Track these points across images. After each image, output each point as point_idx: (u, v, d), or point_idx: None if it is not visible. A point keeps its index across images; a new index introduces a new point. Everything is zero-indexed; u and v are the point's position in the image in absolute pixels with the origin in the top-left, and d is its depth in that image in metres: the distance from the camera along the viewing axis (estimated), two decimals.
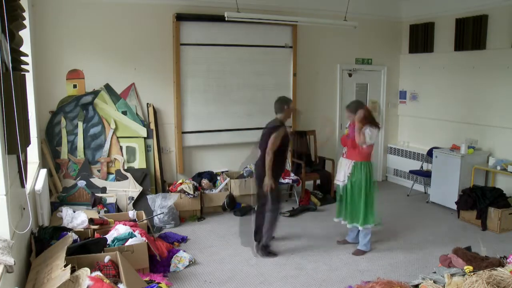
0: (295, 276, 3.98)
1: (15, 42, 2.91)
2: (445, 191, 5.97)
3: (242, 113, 6.15)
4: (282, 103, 4.41)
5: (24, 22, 3.37)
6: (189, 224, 5.32)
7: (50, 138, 5.25)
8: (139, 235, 3.91)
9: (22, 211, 3.18)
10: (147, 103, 5.71)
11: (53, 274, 2.82)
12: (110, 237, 3.89)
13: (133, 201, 5.22)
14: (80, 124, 5.35)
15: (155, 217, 5.09)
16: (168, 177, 5.92)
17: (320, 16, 6.06)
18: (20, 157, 2.94)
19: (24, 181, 3.13)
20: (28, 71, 3.72)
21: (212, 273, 4.03)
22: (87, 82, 5.39)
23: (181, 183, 5.52)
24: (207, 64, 5.88)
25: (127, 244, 3.76)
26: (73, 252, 3.37)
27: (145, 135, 5.62)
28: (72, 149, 5.32)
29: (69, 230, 3.90)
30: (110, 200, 5.09)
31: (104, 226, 4.20)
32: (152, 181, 5.60)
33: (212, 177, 5.97)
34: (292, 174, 6.14)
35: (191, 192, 5.42)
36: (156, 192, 5.54)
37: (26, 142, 3.28)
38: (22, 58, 3.30)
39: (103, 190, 5.20)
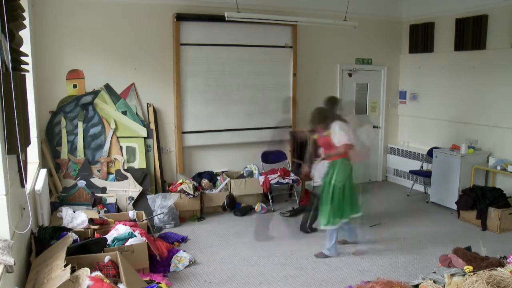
0: (295, 276, 3.98)
1: (15, 42, 2.91)
2: (445, 191, 5.97)
3: (242, 113, 6.15)
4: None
5: (24, 22, 3.37)
6: (189, 224, 5.32)
7: (50, 138, 5.25)
8: (139, 235, 3.91)
9: (22, 211, 3.18)
10: (147, 103, 5.71)
11: (53, 274, 2.82)
12: (110, 237, 3.89)
13: (133, 201, 5.22)
14: (80, 124, 5.35)
15: (155, 217, 5.09)
16: (168, 177, 5.92)
17: (320, 16, 6.06)
18: (20, 157, 2.94)
19: (24, 181, 3.13)
20: (28, 71, 3.73)
21: (212, 273, 4.03)
22: (87, 82, 5.39)
23: (181, 183, 5.52)
24: (207, 64, 5.88)
25: (127, 244, 3.76)
26: (73, 252, 3.37)
27: (145, 135, 5.62)
28: (72, 149, 5.32)
29: (69, 230, 3.90)
30: (110, 200, 5.09)
31: (104, 226, 4.20)
32: (152, 181, 5.60)
33: (212, 177, 5.97)
34: (292, 174, 6.14)
35: (191, 192, 5.42)
36: (156, 192, 5.54)
37: (26, 142, 3.28)
38: (22, 58, 3.31)
39: (103, 190, 5.20)
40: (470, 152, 5.80)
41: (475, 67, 6.08)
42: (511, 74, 5.59)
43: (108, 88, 5.50)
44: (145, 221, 4.49)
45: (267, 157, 6.32)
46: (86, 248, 3.53)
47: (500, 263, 3.49)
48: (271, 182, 5.84)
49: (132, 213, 4.66)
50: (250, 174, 6.08)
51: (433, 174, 6.20)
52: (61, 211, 4.46)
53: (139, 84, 5.65)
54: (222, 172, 6.12)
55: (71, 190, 5.11)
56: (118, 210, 5.06)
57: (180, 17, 5.62)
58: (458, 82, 6.36)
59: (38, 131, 4.94)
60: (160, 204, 5.15)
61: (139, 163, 5.58)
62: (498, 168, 5.54)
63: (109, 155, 5.45)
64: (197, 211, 5.54)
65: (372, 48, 7.12)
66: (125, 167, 5.50)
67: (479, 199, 5.23)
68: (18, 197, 3.06)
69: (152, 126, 5.68)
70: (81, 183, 5.16)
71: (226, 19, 5.05)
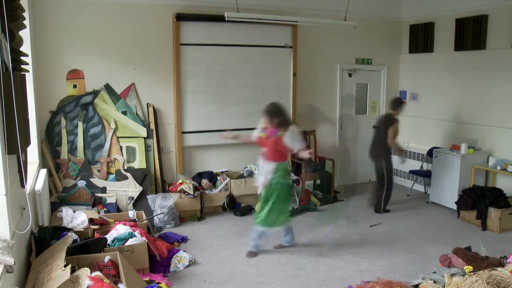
0: (295, 276, 3.98)
1: (15, 42, 2.91)
2: (445, 191, 5.97)
3: (242, 113, 6.15)
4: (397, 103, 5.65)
5: (24, 22, 3.37)
6: (189, 224, 5.32)
7: (50, 138, 5.25)
8: (139, 235, 3.91)
9: (22, 211, 3.18)
10: (147, 103, 5.71)
11: (53, 274, 2.82)
12: (110, 237, 3.89)
13: (133, 201, 5.22)
14: (80, 124, 5.35)
15: (155, 217, 5.09)
16: (168, 177, 5.92)
17: (320, 16, 6.06)
18: (20, 157, 2.94)
19: (24, 181, 3.13)
20: (28, 71, 3.73)
21: (212, 273, 4.03)
22: (87, 82, 5.39)
23: (181, 183, 5.52)
24: (207, 64, 5.88)
25: (127, 244, 3.76)
26: (73, 252, 3.37)
27: (145, 135, 5.62)
28: (72, 149, 5.32)
29: (69, 230, 3.90)
30: (110, 200, 5.09)
31: (104, 226, 4.20)
32: (152, 181, 5.60)
33: (212, 177, 5.97)
34: (292, 174, 6.13)
35: (191, 192, 5.42)
36: (156, 192, 5.54)
37: (26, 142, 3.28)
38: (22, 58, 3.31)
39: (103, 190, 5.20)
40: (470, 152, 5.80)
41: (475, 67, 6.08)
42: (511, 74, 5.59)
43: (108, 88, 5.50)
44: (145, 221, 4.50)
45: None
46: (86, 248, 3.53)
47: (500, 263, 3.49)
48: None
49: (132, 213, 4.66)
50: (250, 174, 6.08)
51: (433, 174, 6.21)
52: (61, 211, 4.46)
53: (139, 84, 5.65)
54: (222, 172, 6.12)
55: (71, 190, 5.11)
56: (118, 210, 5.06)
57: (180, 17, 5.62)
58: (458, 82, 6.36)
59: (38, 131, 4.94)
60: (160, 204, 5.15)
61: (139, 163, 5.58)
62: (498, 168, 5.54)
63: (109, 155, 5.45)
64: (197, 211, 5.54)
65: (372, 48, 7.12)
66: (125, 167, 5.50)
67: (479, 199, 5.24)
68: (18, 197, 3.06)
69: (152, 126, 5.68)
70: (81, 183, 5.16)
71: (226, 19, 5.05)
